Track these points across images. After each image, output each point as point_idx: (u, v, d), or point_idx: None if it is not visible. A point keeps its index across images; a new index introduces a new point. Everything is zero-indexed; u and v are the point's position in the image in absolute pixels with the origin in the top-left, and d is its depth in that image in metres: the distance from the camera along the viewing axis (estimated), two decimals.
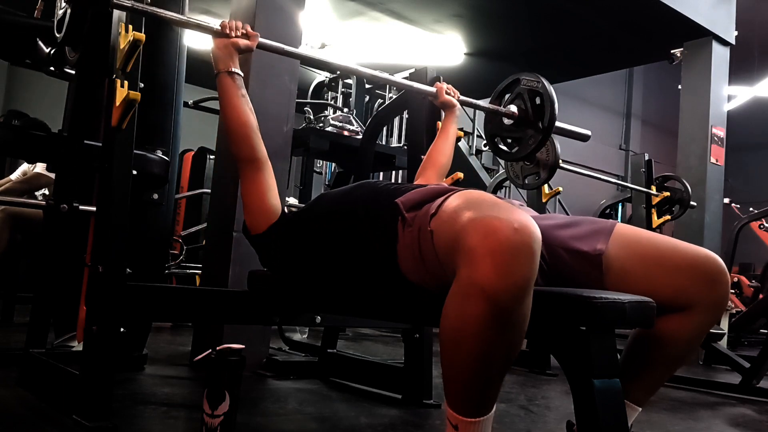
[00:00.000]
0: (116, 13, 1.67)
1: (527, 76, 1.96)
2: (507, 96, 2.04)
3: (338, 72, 4.80)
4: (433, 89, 2.02)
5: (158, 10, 1.55)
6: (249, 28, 1.62)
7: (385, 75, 2.25)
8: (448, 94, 2.02)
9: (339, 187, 1.61)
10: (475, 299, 0.96)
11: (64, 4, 1.69)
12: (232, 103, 1.55)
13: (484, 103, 2.12)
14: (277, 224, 1.54)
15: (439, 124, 2.03)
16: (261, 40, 1.65)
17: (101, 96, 1.83)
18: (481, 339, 0.98)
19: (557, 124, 2.00)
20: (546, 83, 1.91)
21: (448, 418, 1.07)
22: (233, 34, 1.58)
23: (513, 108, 1.99)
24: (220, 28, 1.58)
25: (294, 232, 1.53)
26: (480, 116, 7.91)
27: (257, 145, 1.55)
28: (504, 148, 2.11)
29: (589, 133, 2.39)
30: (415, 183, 1.82)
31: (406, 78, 2.22)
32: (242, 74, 1.59)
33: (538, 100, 1.93)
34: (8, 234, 3.12)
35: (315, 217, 1.51)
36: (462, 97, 2.05)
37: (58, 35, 1.70)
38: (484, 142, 3.39)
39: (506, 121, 2.04)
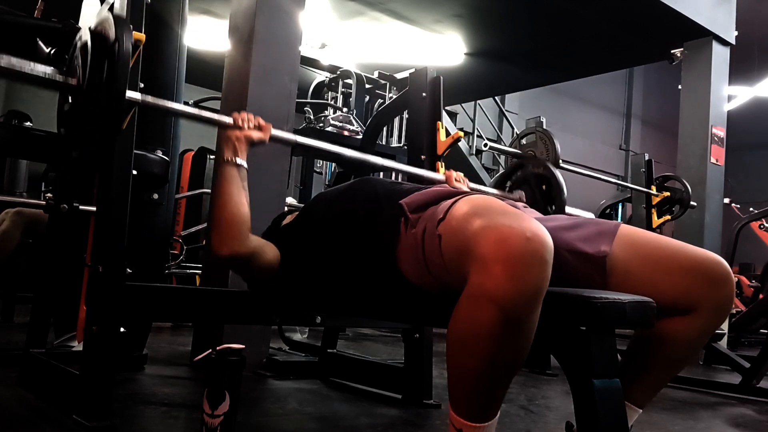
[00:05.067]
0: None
1: (533, 162, 1.98)
2: (513, 178, 2.05)
3: (338, 72, 4.80)
4: (441, 176, 1.99)
5: (166, 102, 1.55)
6: (261, 120, 1.60)
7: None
8: (458, 181, 1.97)
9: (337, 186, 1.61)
10: (486, 306, 0.96)
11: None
12: (231, 194, 1.46)
13: (488, 188, 2.09)
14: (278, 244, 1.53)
15: (440, 124, 2.02)
16: (273, 131, 1.63)
17: None
18: (491, 345, 0.99)
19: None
20: (555, 171, 1.93)
21: (452, 422, 1.07)
22: (245, 126, 1.55)
23: (521, 193, 2.00)
24: (232, 120, 1.56)
25: (294, 232, 1.53)
26: (480, 117, 7.92)
27: (246, 240, 1.45)
28: None
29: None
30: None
31: (405, 78, 2.22)
32: (247, 167, 1.52)
33: (545, 187, 1.95)
34: (20, 236, 3.11)
35: (315, 217, 1.51)
36: (471, 184, 2.00)
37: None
38: (485, 142, 3.39)
39: None
